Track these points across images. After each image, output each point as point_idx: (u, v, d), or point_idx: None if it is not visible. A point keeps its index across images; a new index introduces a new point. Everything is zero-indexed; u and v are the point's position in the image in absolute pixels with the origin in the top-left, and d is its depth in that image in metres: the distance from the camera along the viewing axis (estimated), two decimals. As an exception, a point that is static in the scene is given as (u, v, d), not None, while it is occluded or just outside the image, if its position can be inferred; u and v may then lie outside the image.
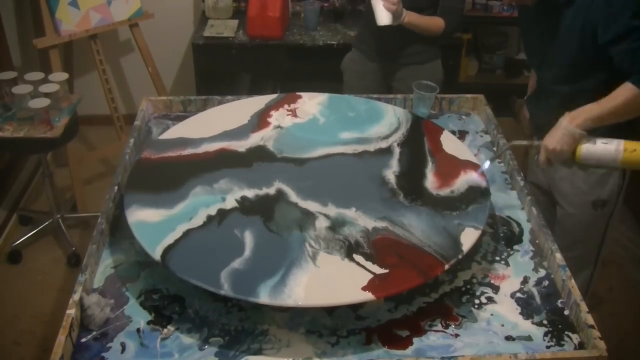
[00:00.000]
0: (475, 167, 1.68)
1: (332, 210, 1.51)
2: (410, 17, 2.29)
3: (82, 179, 3.02)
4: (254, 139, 1.79)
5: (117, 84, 3.70)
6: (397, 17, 2.23)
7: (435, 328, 1.32)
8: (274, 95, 2.01)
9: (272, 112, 1.92)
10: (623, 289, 2.76)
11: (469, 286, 1.43)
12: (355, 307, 1.36)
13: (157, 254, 1.35)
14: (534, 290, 1.43)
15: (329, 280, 1.31)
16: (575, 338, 1.31)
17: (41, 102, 2.40)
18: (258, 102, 1.98)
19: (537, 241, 1.56)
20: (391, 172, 1.67)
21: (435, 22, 2.37)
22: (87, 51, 3.12)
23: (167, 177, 1.62)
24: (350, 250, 1.39)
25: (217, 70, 3.14)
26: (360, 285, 1.29)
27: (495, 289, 1.43)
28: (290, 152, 1.74)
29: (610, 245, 2.84)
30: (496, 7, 3.46)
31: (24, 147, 2.54)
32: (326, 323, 1.33)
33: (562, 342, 1.30)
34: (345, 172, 1.68)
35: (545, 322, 1.34)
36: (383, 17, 2.21)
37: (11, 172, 3.08)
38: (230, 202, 1.53)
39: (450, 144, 1.79)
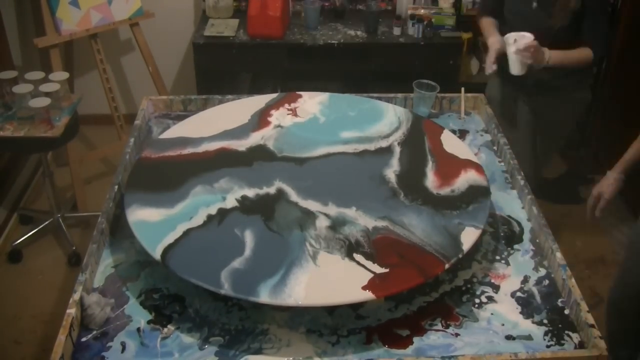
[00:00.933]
0: (475, 166, 1.68)
1: (333, 210, 1.51)
2: (556, 58, 2.05)
3: (82, 179, 3.02)
4: (255, 138, 1.79)
5: (118, 84, 3.69)
6: (537, 62, 2.04)
7: (435, 327, 1.32)
8: (275, 95, 2.01)
9: (273, 112, 1.92)
10: (623, 289, 2.75)
11: (469, 285, 1.43)
12: (355, 307, 1.36)
13: (157, 253, 1.35)
14: (534, 290, 1.43)
15: (329, 279, 1.31)
16: (576, 337, 1.31)
17: (42, 102, 2.40)
18: (258, 101, 1.98)
19: (537, 240, 1.56)
20: (392, 171, 1.67)
21: (582, 54, 2.09)
22: (88, 50, 3.12)
23: (168, 177, 1.62)
24: (350, 249, 1.39)
25: (218, 69, 3.13)
26: (360, 285, 1.29)
27: (496, 288, 1.43)
28: (291, 151, 1.74)
29: (611, 245, 2.85)
30: (497, 7, 3.45)
31: (24, 147, 2.54)
32: (326, 322, 1.33)
33: (563, 342, 1.30)
34: (345, 172, 1.68)
35: (545, 321, 1.34)
36: (516, 67, 2.06)
37: (11, 172, 3.08)
38: (230, 202, 1.53)
39: (450, 143, 1.79)
